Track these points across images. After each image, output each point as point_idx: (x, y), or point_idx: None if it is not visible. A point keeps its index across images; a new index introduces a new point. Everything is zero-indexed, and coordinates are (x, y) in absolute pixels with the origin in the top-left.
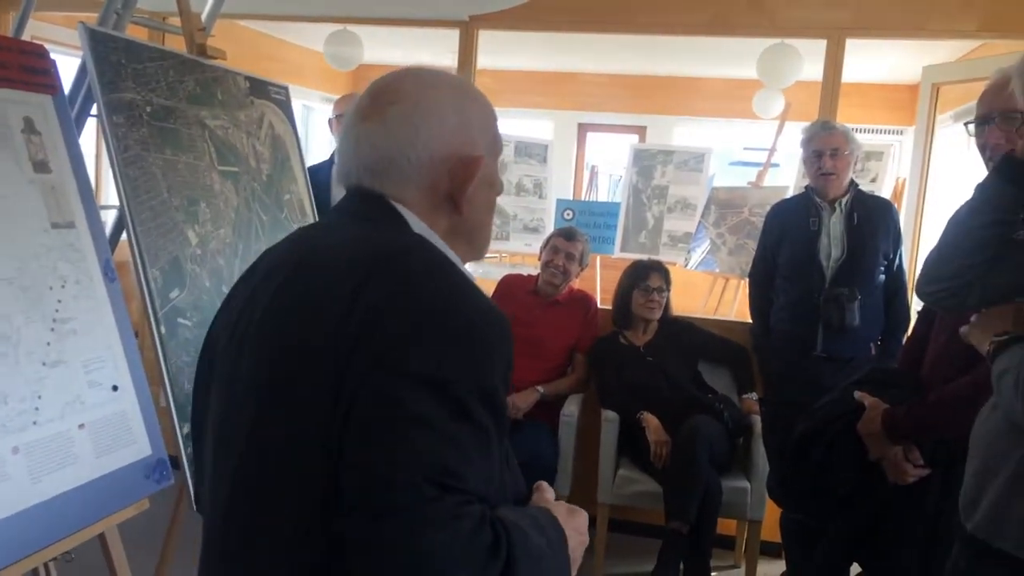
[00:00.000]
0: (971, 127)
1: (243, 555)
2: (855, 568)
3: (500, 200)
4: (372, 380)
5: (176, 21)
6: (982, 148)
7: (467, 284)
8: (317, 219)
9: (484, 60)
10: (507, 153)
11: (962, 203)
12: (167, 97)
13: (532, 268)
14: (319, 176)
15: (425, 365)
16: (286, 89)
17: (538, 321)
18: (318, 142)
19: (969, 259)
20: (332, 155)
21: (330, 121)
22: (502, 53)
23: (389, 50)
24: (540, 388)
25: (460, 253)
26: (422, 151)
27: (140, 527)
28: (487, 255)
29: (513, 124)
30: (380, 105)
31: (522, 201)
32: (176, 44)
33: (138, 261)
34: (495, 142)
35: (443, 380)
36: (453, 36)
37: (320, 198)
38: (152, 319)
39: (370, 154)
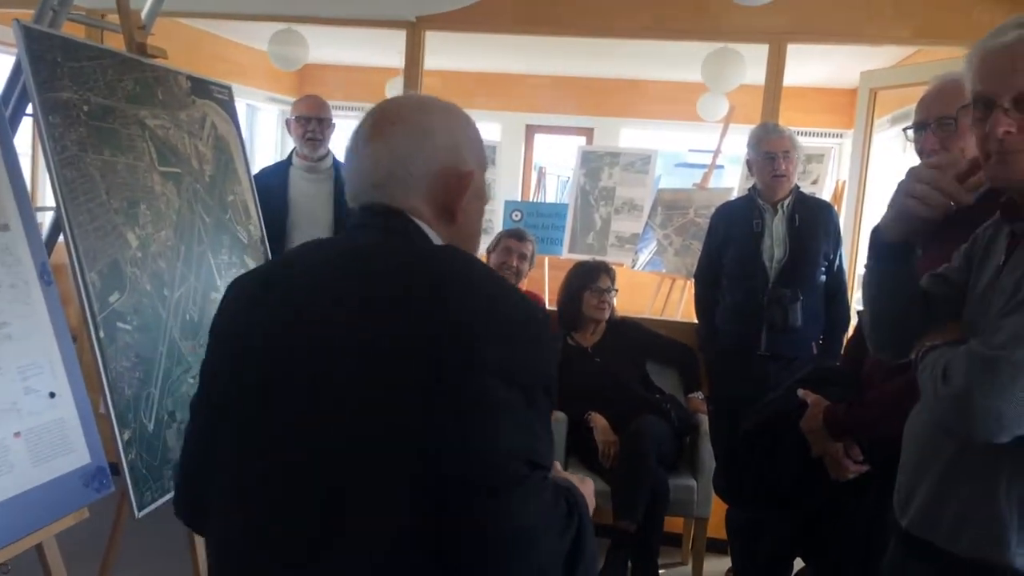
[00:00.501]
0: (910, 132)
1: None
2: (798, 563)
3: None
4: (470, 379)
5: (115, 19)
6: (920, 153)
7: (516, 290)
8: (262, 221)
9: (431, 61)
10: None
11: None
12: (105, 96)
13: None
14: (273, 179)
15: (509, 364)
16: (229, 89)
17: None
18: (264, 143)
19: (898, 331)
20: (289, 156)
21: (287, 122)
22: (450, 54)
23: (336, 50)
24: None
25: None
26: (421, 165)
27: (79, 537)
28: None
29: None
30: (381, 127)
31: None
32: (115, 42)
33: (76, 264)
34: (482, 158)
35: (522, 375)
36: (400, 37)
37: (273, 202)
38: (91, 323)
39: (375, 171)
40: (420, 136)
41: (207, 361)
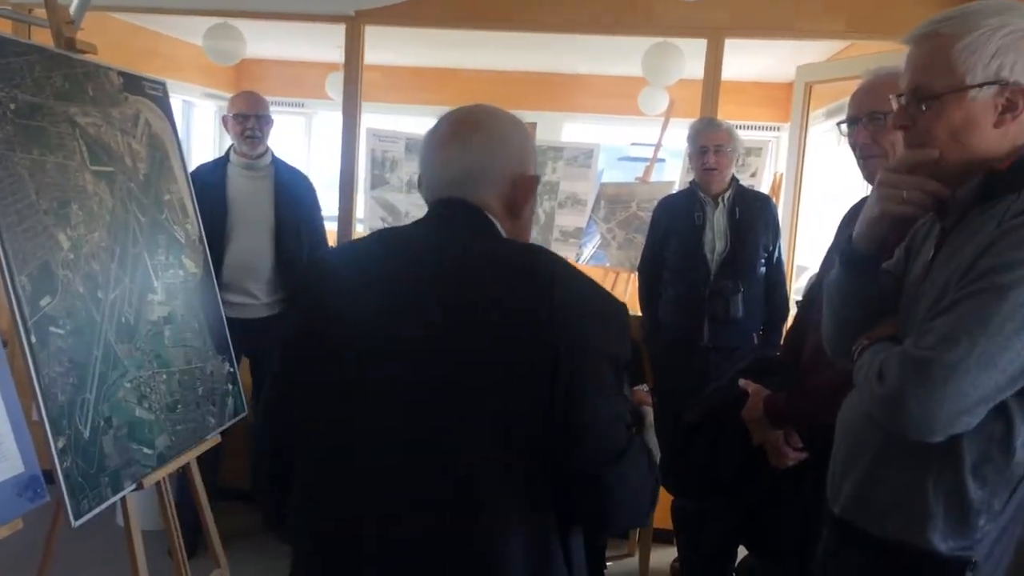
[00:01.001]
0: (843, 127)
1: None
2: (742, 551)
3: (390, 197)
4: (585, 361)
5: (42, 13)
6: (853, 147)
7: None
8: (200, 220)
9: (371, 56)
10: (398, 150)
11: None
12: (33, 93)
13: None
14: (210, 177)
15: (611, 347)
16: (163, 85)
17: None
18: (201, 139)
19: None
20: (227, 153)
21: (224, 119)
22: (390, 49)
23: (274, 44)
24: None
25: None
26: (498, 168)
27: (14, 549)
28: None
29: (402, 121)
30: (462, 133)
31: (413, 198)
32: (43, 38)
33: (4, 268)
34: (537, 163)
35: (617, 356)
36: (339, 31)
37: (211, 200)
38: (21, 328)
39: (458, 170)
40: (499, 142)
41: (292, 343)
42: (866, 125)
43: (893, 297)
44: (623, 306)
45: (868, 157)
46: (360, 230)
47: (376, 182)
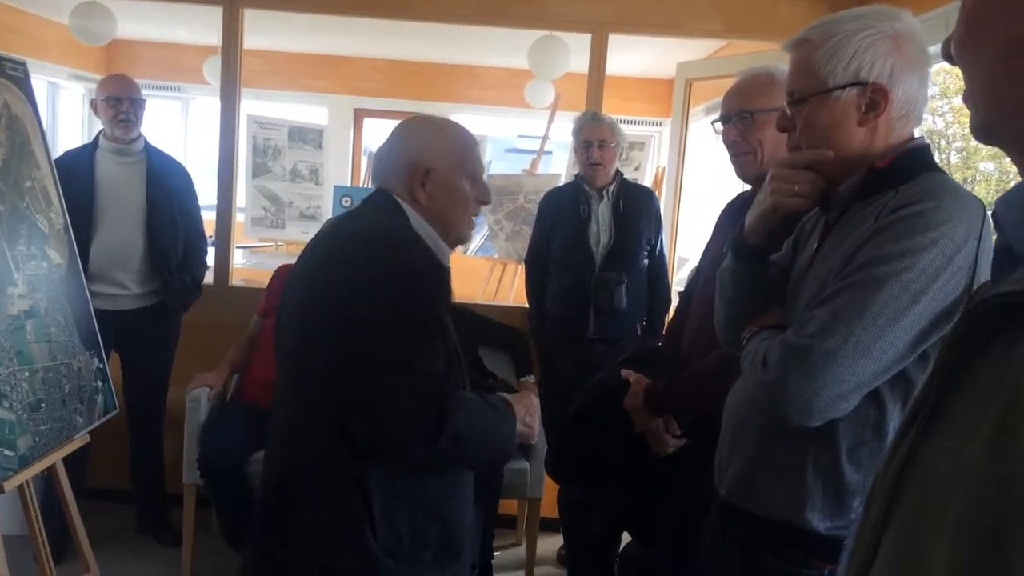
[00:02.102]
0: (717, 125)
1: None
2: (626, 538)
3: (273, 187)
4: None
5: None
6: (725, 144)
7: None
8: (64, 208)
9: (253, 40)
10: (280, 138)
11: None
12: None
13: None
14: (77, 163)
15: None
16: (24, 65)
17: None
18: (68, 123)
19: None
20: (96, 138)
21: (93, 103)
22: (274, 34)
23: (147, 26)
24: None
25: (437, 231)
26: (395, 157)
27: None
28: (262, 244)
29: (285, 108)
30: (388, 137)
31: (298, 188)
32: None
33: None
34: (461, 161)
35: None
36: (217, 13)
37: (77, 187)
38: None
39: (375, 162)
40: (400, 138)
41: None
42: (736, 124)
43: (781, 287)
44: (410, 263)
45: (739, 155)
46: (240, 219)
47: (258, 170)
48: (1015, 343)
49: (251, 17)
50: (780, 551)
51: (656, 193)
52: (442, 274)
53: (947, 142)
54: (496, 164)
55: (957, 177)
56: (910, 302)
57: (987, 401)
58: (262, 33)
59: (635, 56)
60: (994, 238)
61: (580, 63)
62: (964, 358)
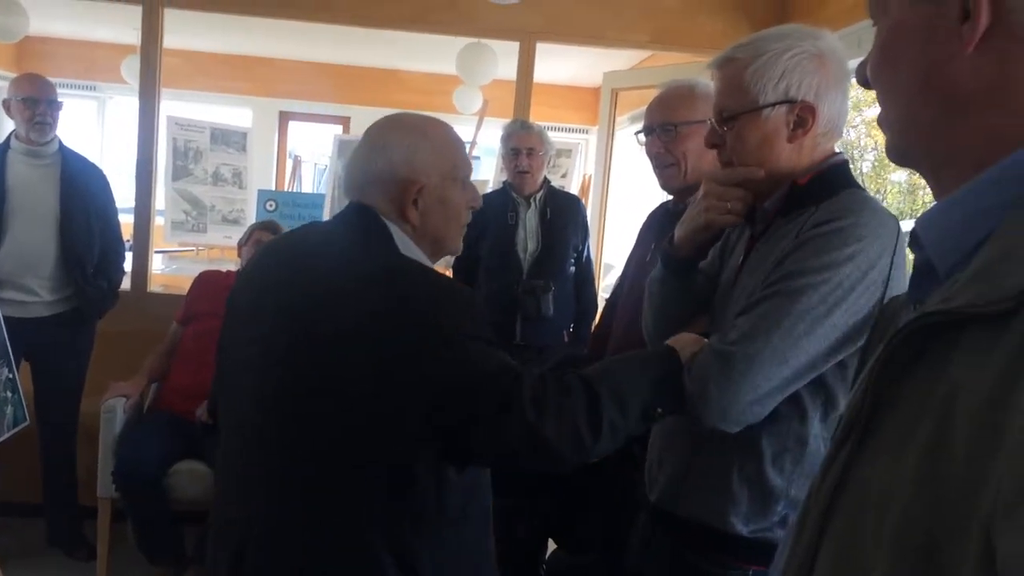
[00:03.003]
0: (640, 136)
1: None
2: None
3: (194, 190)
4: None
5: None
6: (648, 155)
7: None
8: None
9: (174, 40)
10: (202, 140)
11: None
12: None
13: (231, 263)
14: None
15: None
16: None
17: None
18: None
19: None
20: (7, 139)
21: (6, 102)
22: (195, 34)
23: (62, 22)
24: None
25: (426, 251)
26: (377, 170)
27: None
28: (183, 249)
29: (208, 110)
30: (361, 140)
31: (220, 191)
32: None
33: None
34: (453, 168)
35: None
36: (136, 12)
37: None
38: None
39: (347, 174)
40: (379, 147)
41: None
42: (660, 136)
43: (707, 295)
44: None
45: (663, 166)
46: (160, 223)
47: (179, 173)
48: (943, 361)
49: (172, 16)
50: (707, 554)
51: (583, 200)
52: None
53: (860, 153)
54: None
55: (869, 187)
56: (826, 313)
57: (918, 419)
58: (184, 33)
59: (563, 64)
60: (911, 256)
61: (508, 70)
62: (894, 377)
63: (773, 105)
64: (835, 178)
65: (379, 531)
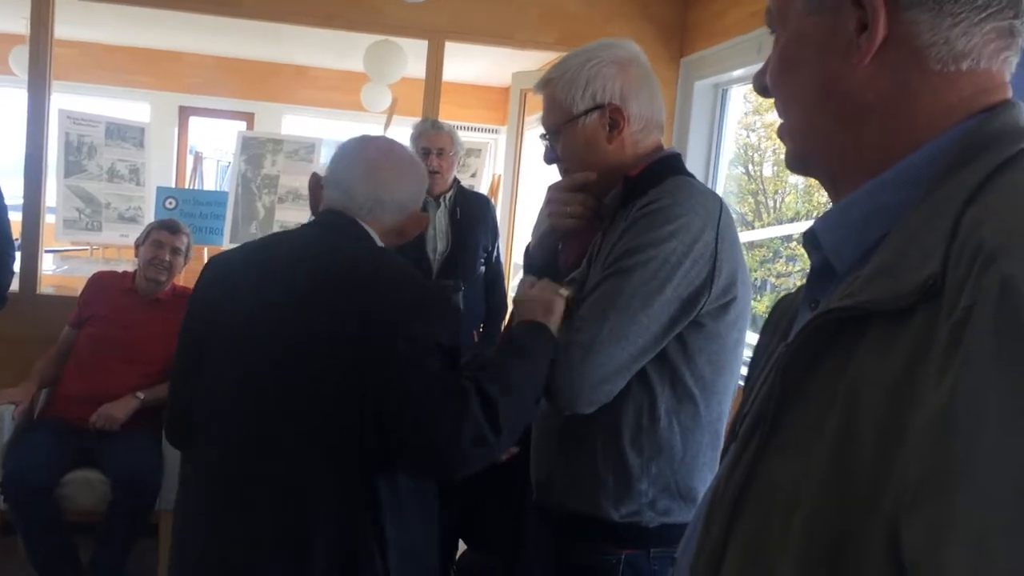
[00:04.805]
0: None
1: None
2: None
3: (88, 187)
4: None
5: None
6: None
7: None
8: None
9: (68, 31)
10: (96, 135)
11: None
12: None
13: (127, 264)
14: None
15: (424, 330)
16: None
17: (137, 322)
18: None
19: None
20: None
21: None
22: (90, 25)
23: None
24: (140, 394)
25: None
26: (400, 200)
27: None
28: (78, 247)
29: (102, 103)
30: (386, 163)
31: (116, 188)
32: None
33: None
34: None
35: (430, 335)
36: (25, 0)
37: None
38: None
39: (367, 191)
40: (407, 177)
41: (184, 324)
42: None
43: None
44: (438, 294)
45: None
46: (51, 220)
47: (71, 169)
48: (847, 357)
49: (65, 6)
50: (583, 542)
51: (493, 200)
52: None
53: (760, 155)
54: None
55: (769, 188)
56: (658, 288)
57: (824, 415)
58: (78, 24)
59: (472, 63)
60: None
61: (417, 68)
62: (799, 374)
63: (586, 112)
64: (664, 168)
65: (354, 520)
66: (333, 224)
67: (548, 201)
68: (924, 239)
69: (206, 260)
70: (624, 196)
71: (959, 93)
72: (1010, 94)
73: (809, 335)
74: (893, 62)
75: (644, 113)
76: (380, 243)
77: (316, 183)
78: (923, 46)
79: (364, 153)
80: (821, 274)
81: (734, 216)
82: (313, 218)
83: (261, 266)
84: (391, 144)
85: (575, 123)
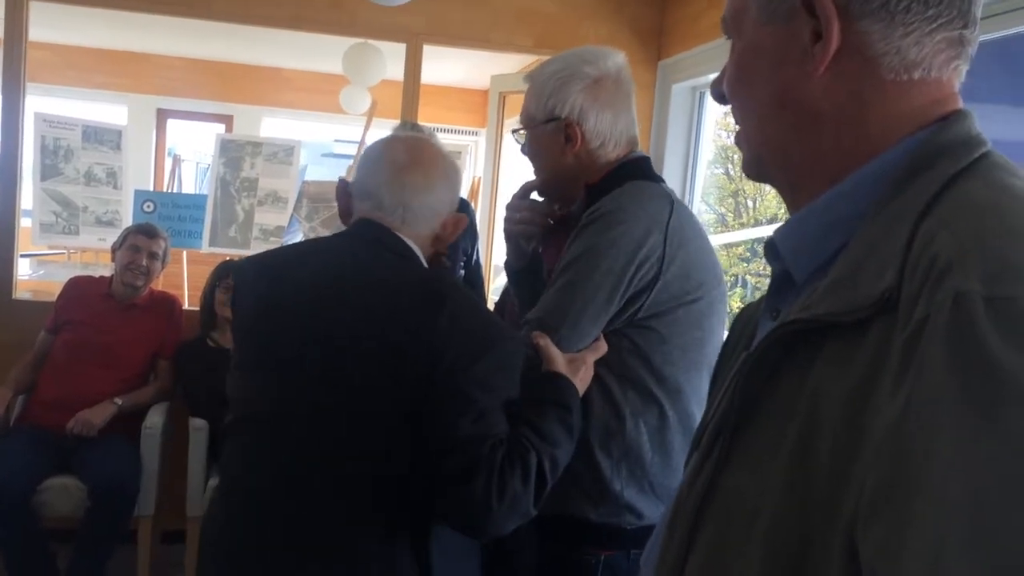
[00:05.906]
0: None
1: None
2: None
3: (65, 190)
4: (457, 384)
5: None
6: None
7: None
8: None
9: (43, 33)
10: (73, 138)
11: None
12: None
13: (105, 268)
14: None
15: (485, 374)
16: None
17: (114, 327)
18: None
19: None
20: None
21: None
22: (66, 27)
23: None
24: (118, 400)
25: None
26: (438, 208)
27: None
28: (54, 251)
29: (79, 106)
30: (423, 170)
31: (93, 191)
32: None
33: None
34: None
35: (490, 383)
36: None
37: None
38: None
39: (405, 201)
40: (443, 183)
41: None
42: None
43: None
44: (513, 340)
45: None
46: (27, 224)
47: (48, 172)
48: (806, 368)
49: (40, 9)
50: (565, 543)
51: (472, 203)
52: None
53: (739, 157)
54: (312, 169)
55: (748, 189)
56: (606, 299)
57: (784, 426)
58: (54, 26)
59: (451, 66)
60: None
61: (396, 70)
62: (759, 385)
63: (545, 122)
64: (624, 174)
65: (402, 527)
66: (372, 239)
67: (506, 207)
68: (881, 251)
69: (185, 264)
70: (587, 203)
71: (912, 102)
72: (961, 104)
73: (769, 346)
74: (847, 72)
75: (604, 130)
76: (420, 255)
77: (344, 190)
78: (876, 55)
79: (389, 155)
80: (782, 283)
81: (712, 216)
82: (344, 227)
83: (304, 287)
84: (418, 143)
85: (536, 129)
